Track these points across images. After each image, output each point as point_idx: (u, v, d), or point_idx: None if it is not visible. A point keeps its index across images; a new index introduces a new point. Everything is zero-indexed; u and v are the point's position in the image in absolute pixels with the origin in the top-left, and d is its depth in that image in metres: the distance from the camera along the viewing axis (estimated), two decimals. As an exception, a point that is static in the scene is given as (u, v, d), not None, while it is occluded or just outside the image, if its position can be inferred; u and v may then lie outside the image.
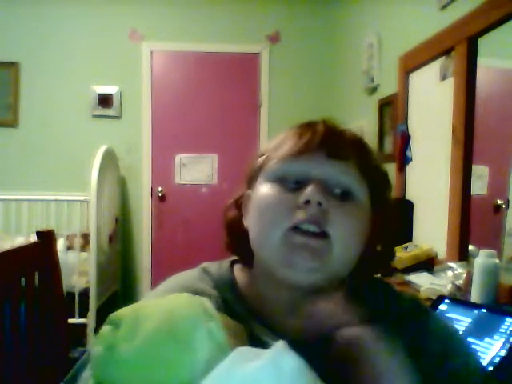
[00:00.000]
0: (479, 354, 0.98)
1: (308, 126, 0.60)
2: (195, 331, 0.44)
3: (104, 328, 0.46)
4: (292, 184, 0.57)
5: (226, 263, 0.67)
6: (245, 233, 0.61)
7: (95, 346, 0.45)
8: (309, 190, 0.54)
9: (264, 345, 0.54)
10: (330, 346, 0.57)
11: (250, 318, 0.59)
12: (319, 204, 0.53)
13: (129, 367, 0.43)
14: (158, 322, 0.45)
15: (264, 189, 0.58)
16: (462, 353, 0.63)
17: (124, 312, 0.47)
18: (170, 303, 0.48)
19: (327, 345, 0.57)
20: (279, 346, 0.42)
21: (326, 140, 0.58)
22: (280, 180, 0.57)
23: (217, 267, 0.66)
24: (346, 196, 0.56)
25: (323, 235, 0.54)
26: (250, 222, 0.60)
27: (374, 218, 0.60)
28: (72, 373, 0.59)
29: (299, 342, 0.55)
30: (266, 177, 0.59)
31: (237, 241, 0.65)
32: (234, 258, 0.68)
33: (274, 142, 0.62)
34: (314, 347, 0.56)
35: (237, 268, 0.66)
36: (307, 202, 0.54)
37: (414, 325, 0.62)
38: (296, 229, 0.54)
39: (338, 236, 0.54)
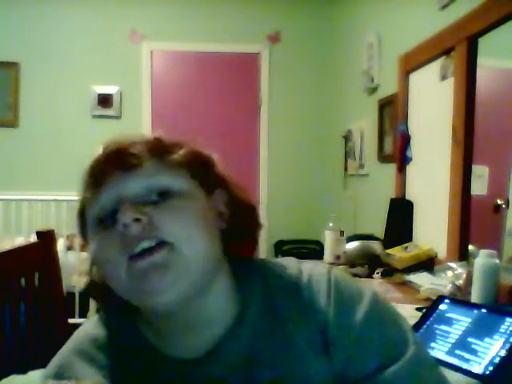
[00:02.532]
0: (479, 354, 0.98)
1: (94, 162, 0.57)
2: None
3: None
4: (110, 219, 0.53)
5: None
6: (105, 288, 0.57)
7: None
8: (120, 216, 0.50)
9: (158, 370, 0.56)
10: (219, 356, 0.57)
11: (143, 347, 0.59)
12: (137, 220, 0.50)
13: None
14: None
15: (92, 242, 0.55)
16: (380, 319, 0.57)
17: None
18: None
19: (217, 356, 0.57)
20: None
21: (111, 160, 0.55)
22: (98, 222, 0.54)
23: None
24: (163, 196, 0.53)
25: (162, 245, 0.50)
26: (101, 275, 0.57)
27: (213, 197, 0.59)
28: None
29: (196, 361, 0.56)
30: (89, 228, 0.56)
31: (106, 300, 0.62)
32: None
33: (82, 185, 0.59)
34: (203, 363, 0.56)
35: None
36: (125, 226, 0.50)
37: (322, 306, 0.57)
38: (133, 257, 0.50)
39: (176, 236, 0.51)
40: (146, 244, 0.50)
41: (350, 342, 0.55)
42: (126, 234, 0.50)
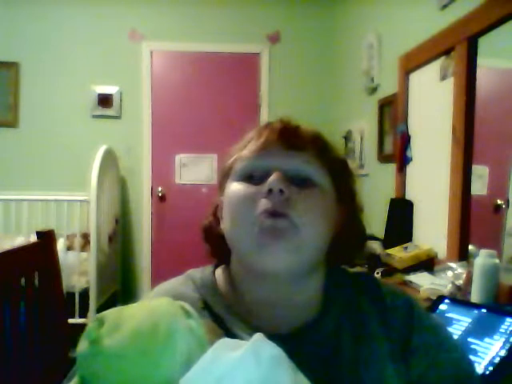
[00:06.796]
0: (479, 354, 0.98)
1: (266, 126, 0.65)
2: (175, 326, 0.46)
3: (89, 325, 0.48)
4: (257, 179, 0.61)
5: (209, 267, 0.70)
6: (222, 237, 0.64)
7: (80, 342, 0.47)
8: (270, 180, 0.58)
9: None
10: (303, 339, 0.60)
11: (228, 316, 0.62)
12: (281, 191, 0.57)
13: (112, 359, 0.44)
14: (139, 319, 0.47)
15: (232, 187, 0.62)
16: (453, 347, 0.66)
17: (108, 312, 0.50)
18: (151, 304, 0.51)
19: (300, 339, 0.60)
20: (258, 337, 0.45)
21: (283, 135, 0.62)
22: (246, 177, 0.62)
23: (200, 272, 0.69)
24: (306, 183, 0.60)
25: (288, 219, 0.57)
26: (225, 221, 0.63)
27: (341, 205, 0.64)
28: (73, 370, 0.61)
29: (274, 337, 0.56)
30: (233, 177, 0.64)
31: (215, 246, 0.69)
32: (216, 263, 0.72)
33: (239, 145, 0.67)
34: (288, 342, 0.57)
35: (218, 270, 0.70)
36: (270, 190, 0.57)
37: (405, 320, 0.64)
38: (263, 214, 0.57)
39: (302, 220, 0.57)
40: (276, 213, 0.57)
41: (433, 355, 0.62)
42: (266, 197, 0.58)
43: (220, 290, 0.66)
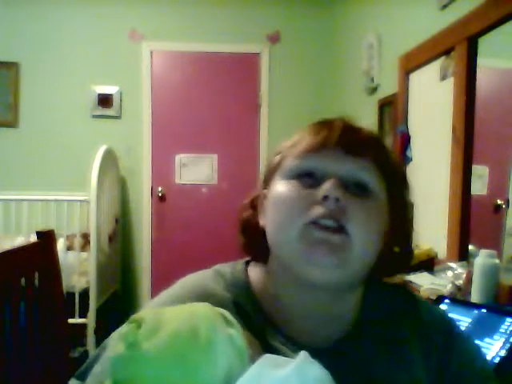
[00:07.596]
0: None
1: (325, 123, 0.60)
2: (216, 334, 0.44)
3: (125, 327, 0.46)
4: (309, 180, 0.56)
5: (240, 264, 0.66)
6: (260, 232, 0.60)
7: (115, 344, 0.45)
8: (327, 186, 0.53)
9: (275, 351, 0.53)
10: (339, 352, 0.57)
11: (262, 322, 0.58)
12: (337, 200, 0.53)
13: (150, 365, 0.43)
14: (179, 323, 0.45)
15: (281, 186, 0.58)
16: (489, 375, 0.64)
17: (145, 313, 0.47)
18: (191, 308, 0.49)
19: (338, 351, 0.58)
20: (303, 356, 0.43)
21: (344, 136, 0.57)
22: (297, 176, 0.57)
23: (230, 268, 0.64)
24: (363, 192, 0.56)
25: (342, 231, 0.53)
26: (268, 219, 0.59)
27: (392, 216, 0.59)
28: (83, 367, 0.58)
29: (312, 349, 0.52)
30: (283, 174, 0.59)
31: (252, 240, 0.64)
32: (248, 258, 0.67)
33: (290, 140, 0.62)
34: (326, 353, 0.55)
35: (251, 269, 0.65)
36: (325, 197, 0.53)
37: (444, 338, 0.62)
38: (314, 224, 0.53)
39: (356, 232, 0.53)
40: (330, 223, 0.53)
41: (468, 371, 0.61)
42: (320, 203, 0.54)
43: (254, 291, 0.61)
